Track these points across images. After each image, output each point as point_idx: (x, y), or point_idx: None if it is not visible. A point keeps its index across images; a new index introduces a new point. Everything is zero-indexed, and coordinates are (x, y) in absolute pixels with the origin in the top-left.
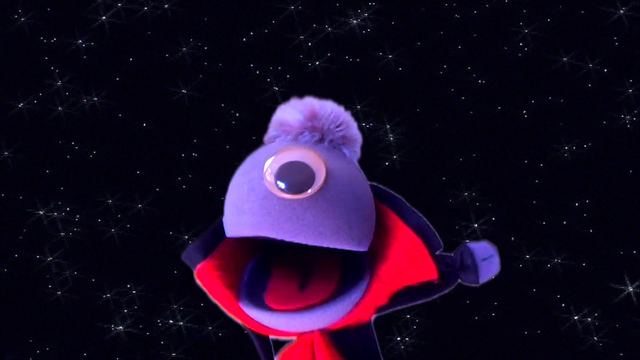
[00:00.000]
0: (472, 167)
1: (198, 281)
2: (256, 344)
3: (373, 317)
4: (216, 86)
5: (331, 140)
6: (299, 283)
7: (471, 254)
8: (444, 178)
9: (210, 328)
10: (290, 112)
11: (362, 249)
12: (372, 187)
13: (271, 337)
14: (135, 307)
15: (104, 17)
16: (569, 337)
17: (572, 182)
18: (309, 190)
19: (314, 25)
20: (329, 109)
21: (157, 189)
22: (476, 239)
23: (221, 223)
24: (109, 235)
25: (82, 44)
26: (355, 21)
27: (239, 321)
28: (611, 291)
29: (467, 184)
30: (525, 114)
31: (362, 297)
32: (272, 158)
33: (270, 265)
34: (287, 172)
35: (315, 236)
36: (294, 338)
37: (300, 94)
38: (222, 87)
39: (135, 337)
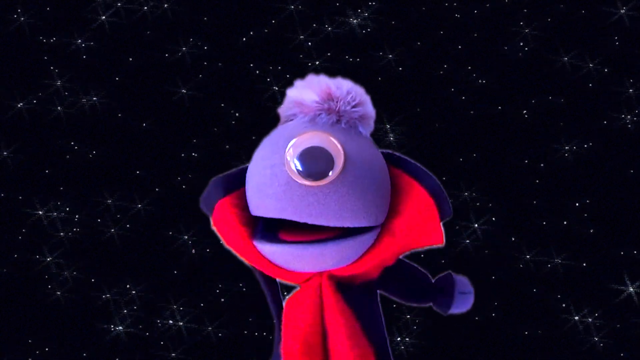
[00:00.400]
0: (472, 167)
1: (213, 224)
2: (264, 288)
3: (378, 279)
4: (216, 86)
5: (348, 121)
6: (313, 226)
7: (452, 284)
8: (444, 178)
9: (210, 328)
10: (307, 93)
11: (378, 223)
12: (388, 154)
13: (279, 280)
14: (135, 307)
15: (103, 17)
16: (569, 337)
17: (573, 182)
18: (329, 177)
19: (314, 25)
20: (345, 89)
21: (157, 189)
22: (477, 239)
23: (244, 170)
24: (108, 235)
25: (81, 43)
26: (355, 21)
27: (248, 263)
28: (612, 291)
29: (468, 184)
30: (525, 113)
31: (373, 246)
32: (292, 143)
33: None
34: (307, 159)
35: (337, 219)
36: (299, 286)
37: None
38: (222, 87)
39: (134, 337)
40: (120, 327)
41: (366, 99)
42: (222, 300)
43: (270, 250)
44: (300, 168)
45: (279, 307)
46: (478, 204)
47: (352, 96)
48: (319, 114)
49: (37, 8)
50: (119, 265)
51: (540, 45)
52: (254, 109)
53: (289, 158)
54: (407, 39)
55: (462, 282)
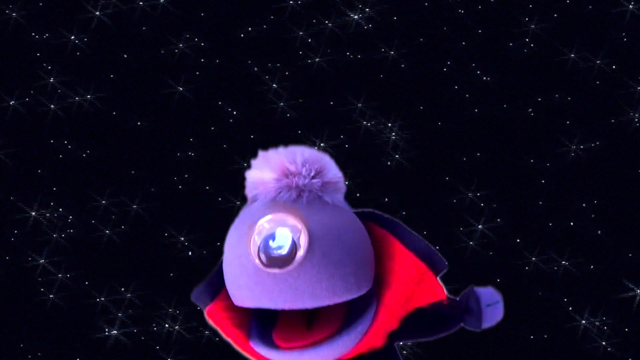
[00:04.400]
0: (476, 167)
1: (209, 320)
2: None
3: (387, 342)
4: (213, 83)
5: (309, 193)
6: (306, 320)
7: (477, 299)
8: (447, 178)
9: (206, 332)
10: (265, 172)
11: (362, 292)
12: (368, 213)
13: None
14: (130, 310)
15: (97, 13)
16: (576, 341)
17: (580, 182)
18: (295, 261)
19: (314, 21)
20: (300, 161)
21: (153, 189)
22: (481, 240)
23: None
24: (102, 236)
25: (75, 40)
26: (356, 16)
27: (251, 358)
28: (619, 294)
29: (472, 185)
30: (531, 112)
31: (370, 326)
32: (255, 232)
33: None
34: (269, 248)
35: (313, 300)
36: None
37: (300, 92)
38: (219, 85)
39: (129, 341)
40: (115, 331)
41: (325, 165)
42: None
43: (269, 355)
44: (264, 258)
45: None
46: (482, 204)
47: (307, 168)
48: (279, 192)
49: (29, 4)
50: (113, 267)
51: (546, 42)
52: (252, 107)
53: (253, 247)
54: (409, 36)
55: (487, 294)
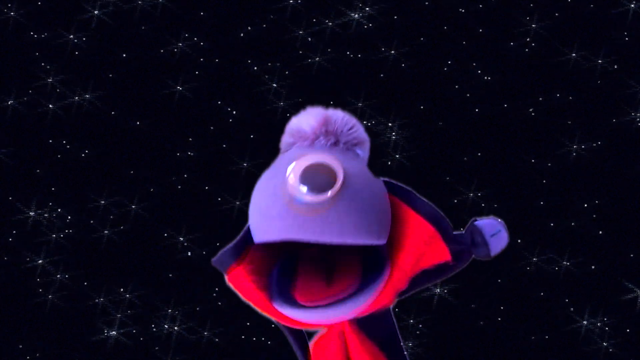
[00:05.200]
0: (477, 166)
1: (230, 285)
2: (290, 339)
3: (394, 300)
4: (213, 83)
5: (345, 142)
6: (324, 278)
7: (480, 232)
8: (448, 178)
9: (206, 333)
10: (305, 119)
11: (382, 241)
12: (383, 182)
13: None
14: (129, 311)
15: (96, 12)
16: (577, 341)
17: (581, 182)
18: (330, 191)
19: (314, 20)
20: (340, 114)
21: (152, 189)
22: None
23: (249, 229)
24: (101, 236)
25: (74, 39)
26: (356, 15)
27: (272, 318)
28: (621, 295)
29: (473, 184)
30: (532, 112)
31: (385, 285)
32: (293, 164)
33: (296, 264)
34: (308, 175)
35: (340, 235)
36: (324, 329)
37: (300, 91)
38: (218, 84)
39: (129, 342)
40: (114, 332)
41: (360, 125)
42: (219, 303)
43: (291, 314)
44: (302, 185)
45: (305, 352)
46: (483, 204)
47: (347, 119)
48: (317, 137)
49: (28, 3)
50: (112, 267)
51: (547, 41)
52: (252, 106)
53: (290, 176)
54: (410, 35)
55: (489, 224)
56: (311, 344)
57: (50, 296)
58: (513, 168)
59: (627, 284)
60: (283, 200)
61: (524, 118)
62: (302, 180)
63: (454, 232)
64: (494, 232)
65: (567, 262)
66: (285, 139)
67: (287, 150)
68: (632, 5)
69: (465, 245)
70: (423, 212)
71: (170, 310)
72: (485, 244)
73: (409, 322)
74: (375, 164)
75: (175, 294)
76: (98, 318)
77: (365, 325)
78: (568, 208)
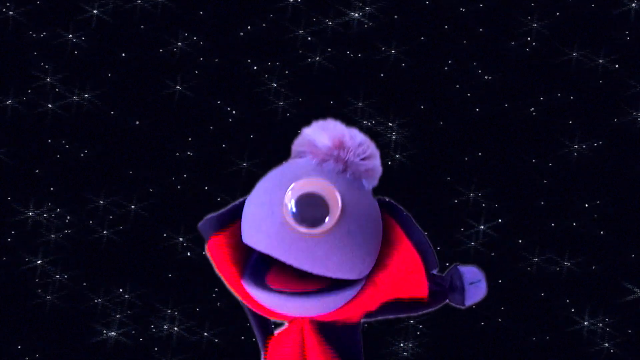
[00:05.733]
0: (477, 166)
1: (208, 253)
2: (253, 325)
3: (360, 320)
4: (212, 82)
5: (354, 172)
6: (299, 272)
7: (460, 277)
8: (448, 178)
9: (206, 334)
10: (321, 136)
11: (362, 277)
12: (383, 201)
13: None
14: (129, 312)
15: (95, 11)
16: (578, 342)
17: (582, 182)
18: (321, 228)
19: (314, 19)
20: (358, 140)
21: (151, 189)
22: (482, 241)
23: (241, 203)
24: (100, 237)
25: (73, 38)
26: (357, 14)
27: (238, 297)
28: (623, 295)
29: (473, 184)
30: (533, 111)
31: (355, 297)
32: (292, 186)
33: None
34: (304, 205)
35: (321, 268)
36: (285, 323)
37: (300, 91)
38: (218, 84)
39: (128, 343)
40: (113, 333)
41: (376, 153)
42: (219, 304)
43: (256, 294)
44: (295, 213)
45: (265, 337)
46: (484, 205)
47: (363, 149)
48: (327, 160)
49: (26, 1)
50: (111, 268)
51: (548, 40)
52: (252, 106)
53: (287, 200)
54: (410, 34)
55: (470, 272)
56: (272, 338)
57: (49, 297)
58: (513, 168)
59: (628, 284)
60: (274, 220)
61: (524, 118)
62: (297, 207)
63: (435, 274)
64: (474, 280)
65: (567, 262)
66: (298, 146)
67: (296, 157)
68: (634, 5)
69: (443, 287)
70: (415, 241)
71: (169, 311)
72: (463, 290)
73: (409, 323)
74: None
75: (174, 294)
76: (97, 318)
77: (327, 332)
78: (569, 208)
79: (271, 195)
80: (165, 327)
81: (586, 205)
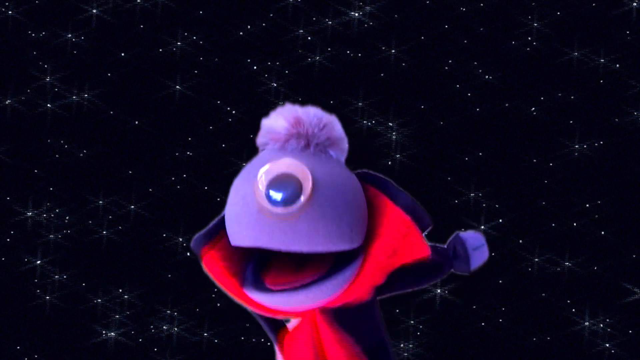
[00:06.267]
0: (478, 166)
1: (205, 269)
2: (264, 326)
3: (372, 296)
4: (212, 82)
5: (317, 145)
6: (295, 266)
7: (463, 244)
8: (449, 178)
9: (205, 334)
10: (277, 120)
11: (355, 245)
12: (362, 173)
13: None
14: (128, 312)
15: (95, 11)
16: (579, 343)
17: (583, 182)
18: (298, 202)
19: (314, 19)
20: (312, 113)
21: (150, 190)
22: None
23: (223, 218)
24: (100, 237)
25: (72, 38)
26: (357, 14)
27: (244, 305)
28: (623, 296)
29: (473, 185)
30: (534, 111)
31: (357, 275)
32: (261, 172)
33: (270, 254)
34: (275, 186)
35: (310, 245)
36: (298, 318)
37: (300, 90)
38: (218, 83)
39: (127, 343)
40: (112, 333)
41: (334, 122)
42: (219, 304)
43: (260, 299)
44: (269, 196)
45: (278, 335)
46: (484, 205)
47: (319, 119)
48: (289, 140)
49: (26, 1)
50: (111, 268)
51: (549, 40)
52: (252, 106)
53: (259, 187)
54: (411, 34)
55: (472, 237)
56: (285, 335)
57: (48, 297)
58: (514, 168)
59: (629, 285)
60: (251, 210)
61: (525, 118)
62: (269, 190)
63: (437, 245)
64: (477, 245)
65: (568, 262)
66: (260, 139)
67: (262, 150)
68: (635, 4)
69: (446, 256)
70: (401, 204)
71: (169, 311)
72: (467, 256)
73: (409, 323)
74: (376, 164)
75: (174, 294)
76: (97, 319)
77: (341, 317)
78: (569, 208)
79: (242, 190)
80: (165, 327)
81: (587, 205)
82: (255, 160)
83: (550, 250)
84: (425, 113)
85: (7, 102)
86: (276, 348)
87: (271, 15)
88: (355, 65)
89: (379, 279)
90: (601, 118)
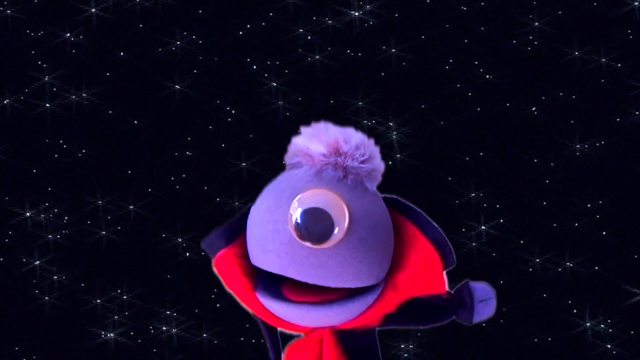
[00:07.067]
0: (479, 166)
1: (215, 269)
2: (265, 335)
3: (380, 324)
4: (211, 82)
5: (355, 177)
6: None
7: (471, 293)
8: (450, 178)
9: (205, 335)
10: (314, 144)
11: (379, 281)
12: (392, 200)
13: (280, 330)
14: (127, 313)
15: (93, 10)
16: (580, 344)
17: (584, 182)
18: (332, 240)
19: (314, 18)
20: (354, 143)
21: (149, 190)
22: (483, 241)
23: (246, 213)
24: (98, 237)
25: (71, 37)
26: (357, 13)
27: (250, 311)
28: (625, 297)
29: (474, 184)
30: (535, 111)
31: (376, 301)
32: (296, 201)
33: None
34: (310, 220)
35: (337, 281)
36: (301, 335)
37: (300, 90)
38: (218, 83)
39: (126, 344)
40: (111, 334)
41: (375, 153)
42: (218, 305)
43: (273, 306)
44: (302, 229)
45: (278, 354)
46: (485, 205)
47: (361, 152)
48: (325, 169)
49: (24, 0)
50: (109, 269)
51: (550, 39)
52: (252, 105)
53: (293, 216)
54: (411, 33)
55: (481, 289)
56: (288, 347)
57: (47, 297)
58: (514, 168)
59: (630, 285)
60: (282, 239)
61: (525, 117)
62: (304, 224)
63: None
64: (485, 298)
65: (569, 263)
66: (293, 158)
67: (291, 169)
68: (636, 4)
69: (451, 302)
70: (431, 238)
71: (168, 312)
72: (472, 307)
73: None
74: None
75: (174, 295)
76: (96, 320)
77: (347, 341)
78: (570, 208)
79: (274, 214)
80: (164, 328)
81: (588, 205)
82: (288, 179)
83: (550, 250)
84: (424, 112)
85: (5, 102)
86: None
87: (271, 15)
88: (355, 65)
89: (393, 308)
90: (602, 118)
